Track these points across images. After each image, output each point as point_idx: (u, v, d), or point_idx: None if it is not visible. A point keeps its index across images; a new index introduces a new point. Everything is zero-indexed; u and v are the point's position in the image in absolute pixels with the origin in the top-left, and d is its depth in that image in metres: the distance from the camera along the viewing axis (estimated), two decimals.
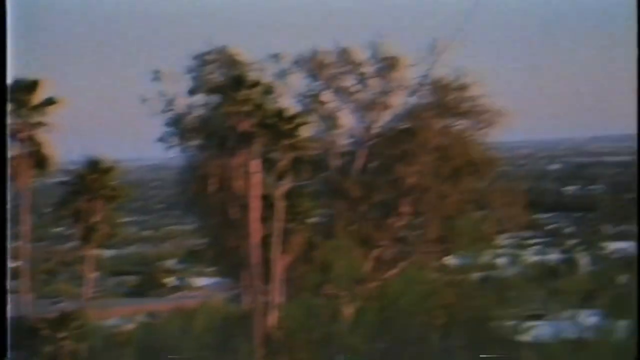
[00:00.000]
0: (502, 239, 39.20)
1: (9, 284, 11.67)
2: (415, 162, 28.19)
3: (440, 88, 28.90)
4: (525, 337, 25.49)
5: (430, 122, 28.64)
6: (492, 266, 30.85)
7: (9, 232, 11.22)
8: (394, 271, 28.25)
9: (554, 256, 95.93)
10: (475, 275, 28.88)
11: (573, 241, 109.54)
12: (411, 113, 29.09)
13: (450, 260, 29.36)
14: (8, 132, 11.06)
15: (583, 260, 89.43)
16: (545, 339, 25.34)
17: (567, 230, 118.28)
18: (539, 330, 26.18)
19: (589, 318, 26.18)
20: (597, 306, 27.43)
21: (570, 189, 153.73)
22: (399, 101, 29.27)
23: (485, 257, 28.92)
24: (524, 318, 26.36)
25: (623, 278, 33.36)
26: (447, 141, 28.74)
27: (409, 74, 29.10)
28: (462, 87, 29.05)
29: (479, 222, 28.81)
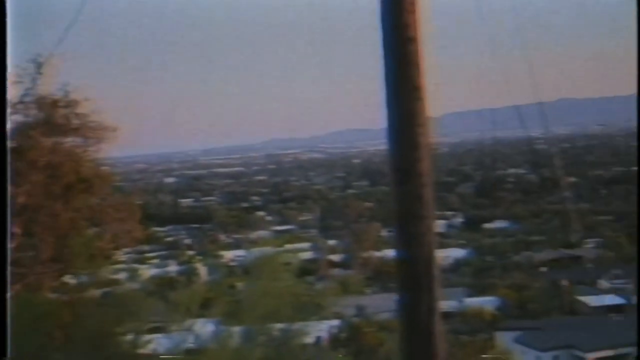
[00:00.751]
0: (121, 255, 39.10)
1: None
2: (25, 181, 27.43)
3: (47, 105, 28.30)
4: (145, 350, 25.60)
5: (38, 140, 27.96)
6: (112, 282, 30.73)
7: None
8: (8, 295, 27.31)
9: (173, 268, 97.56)
10: (96, 293, 28.61)
11: (191, 252, 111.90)
12: (18, 131, 28.26)
13: (69, 279, 28.88)
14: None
15: (201, 269, 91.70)
16: (164, 351, 25.61)
17: (185, 241, 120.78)
18: (160, 343, 26.41)
19: (207, 326, 26.76)
20: (215, 314, 28.09)
21: (186, 201, 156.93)
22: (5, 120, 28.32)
23: (104, 274, 28.72)
24: (144, 332, 26.46)
25: (239, 285, 34.49)
26: (57, 159, 28.19)
27: (14, 91, 28.23)
28: (72, 104, 28.61)
29: (94, 239, 28.56)
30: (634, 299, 75.95)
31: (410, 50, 7.01)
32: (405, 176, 6.98)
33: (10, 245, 27.62)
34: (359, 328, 62.54)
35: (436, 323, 7.10)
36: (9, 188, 9.61)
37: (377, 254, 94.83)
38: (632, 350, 62.75)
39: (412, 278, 7.07)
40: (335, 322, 61.21)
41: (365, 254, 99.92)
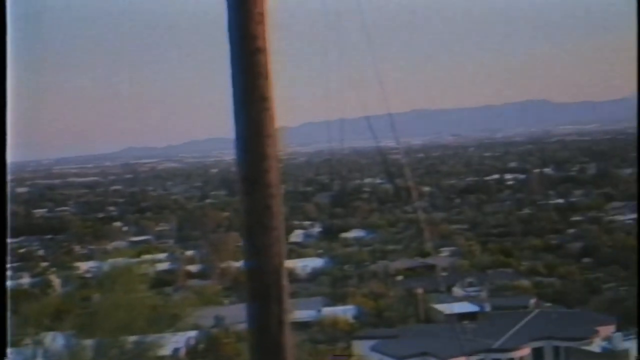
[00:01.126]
0: None
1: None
2: None
3: None
4: None
5: None
6: None
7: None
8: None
9: (26, 280, 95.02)
10: None
11: (44, 263, 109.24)
12: None
13: None
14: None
15: (55, 281, 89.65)
16: None
17: (39, 252, 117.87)
18: (9, 358, 25.68)
19: (59, 340, 26.17)
20: (68, 327, 27.50)
21: (39, 211, 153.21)
22: None
23: None
24: None
25: (94, 297, 33.88)
26: None
27: None
28: None
29: None
30: (487, 307, 77.79)
31: (258, 61, 7.00)
32: (253, 187, 6.96)
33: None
34: (218, 339, 62.18)
35: (286, 334, 7.09)
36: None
37: (235, 264, 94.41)
38: (484, 356, 64.19)
39: (261, 289, 7.05)
40: (193, 333, 60.75)
41: (224, 264, 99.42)
